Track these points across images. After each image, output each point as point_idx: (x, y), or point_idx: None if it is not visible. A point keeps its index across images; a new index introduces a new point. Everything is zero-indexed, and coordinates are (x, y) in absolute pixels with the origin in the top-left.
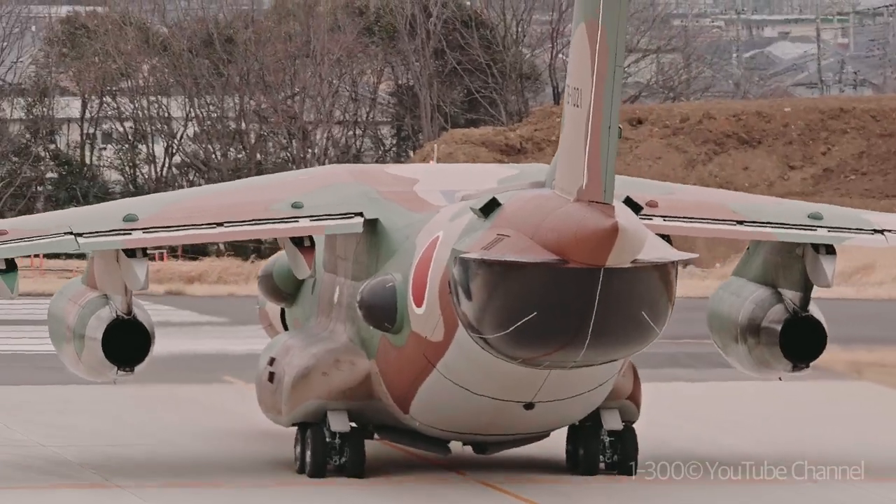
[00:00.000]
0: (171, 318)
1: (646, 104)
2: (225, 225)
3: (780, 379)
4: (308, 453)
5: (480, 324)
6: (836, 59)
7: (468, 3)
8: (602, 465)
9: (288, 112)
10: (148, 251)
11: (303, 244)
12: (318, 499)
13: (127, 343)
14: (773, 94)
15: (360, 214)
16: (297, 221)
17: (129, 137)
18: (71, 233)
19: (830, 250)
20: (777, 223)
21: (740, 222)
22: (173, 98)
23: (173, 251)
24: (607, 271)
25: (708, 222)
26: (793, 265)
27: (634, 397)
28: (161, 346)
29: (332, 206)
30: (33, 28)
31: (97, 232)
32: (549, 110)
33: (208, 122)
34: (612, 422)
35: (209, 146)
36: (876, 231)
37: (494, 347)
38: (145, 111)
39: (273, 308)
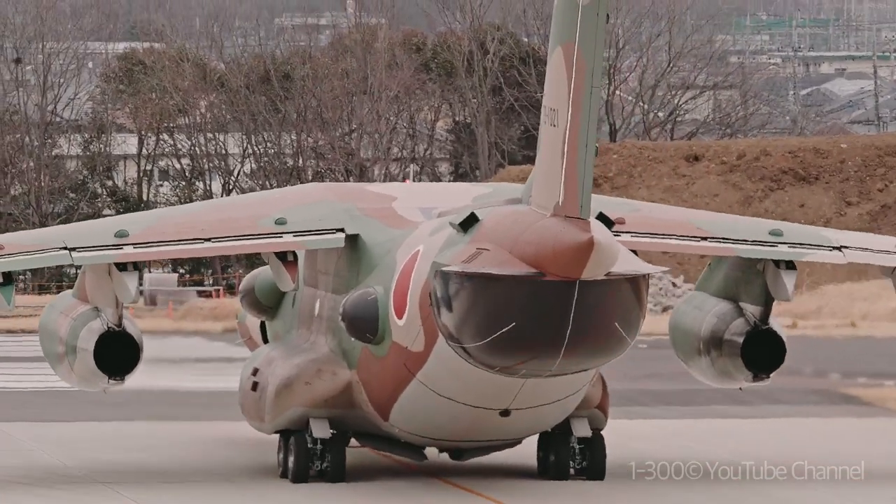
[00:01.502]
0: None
1: (703, 141)
2: (213, 240)
3: (740, 389)
4: (291, 459)
5: (460, 334)
6: (892, 96)
7: (525, 39)
8: (572, 471)
9: (345, 149)
10: (142, 265)
11: (286, 259)
12: (303, 502)
13: (118, 354)
14: (829, 131)
15: (342, 230)
16: (280, 237)
17: (186, 174)
18: (65, 248)
19: (791, 266)
20: (739, 239)
21: (704, 238)
22: (230, 134)
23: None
24: (583, 284)
25: (674, 238)
26: (753, 280)
27: (603, 406)
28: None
29: (314, 222)
30: (90, 64)
31: (90, 247)
32: (606, 147)
33: (265, 159)
34: (581, 429)
35: (266, 183)
36: (834, 248)
37: (473, 356)
38: (202, 148)
39: (253, 322)
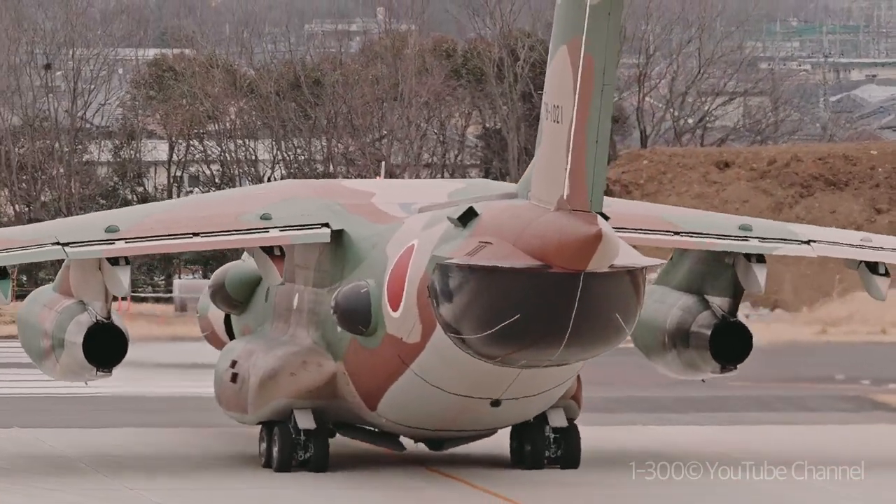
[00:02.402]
0: None
1: (733, 147)
2: (201, 235)
3: (703, 381)
4: (275, 449)
5: (461, 325)
6: None
7: None
8: (545, 461)
9: (376, 155)
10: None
11: (273, 253)
12: (291, 491)
13: (106, 346)
14: (859, 138)
15: (327, 225)
16: (266, 232)
17: (217, 180)
18: (58, 243)
19: (760, 259)
20: (710, 233)
21: (676, 233)
22: (260, 141)
23: None
24: (587, 276)
25: (646, 232)
26: (721, 273)
27: (577, 397)
28: None
29: (298, 217)
30: (120, 71)
31: (82, 242)
32: (637, 153)
33: (296, 165)
34: (557, 419)
35: None
36: (802, 242)
37: (474, 347)
38: (232, 154)
39: (216, 315)
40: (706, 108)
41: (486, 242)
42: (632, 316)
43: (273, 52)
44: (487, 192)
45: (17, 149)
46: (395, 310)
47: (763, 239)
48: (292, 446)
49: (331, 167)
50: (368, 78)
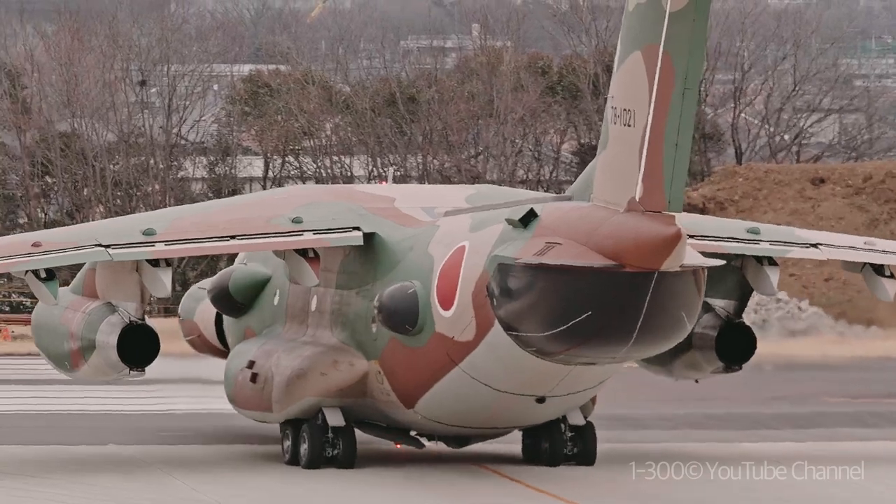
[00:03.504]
0: None
1: (828, 163)
2: (237, 238)
3: (696, 381)
4: (305, 447)
5: (526, 323)
6: None
7: None
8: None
9: (471, 171)
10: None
11: (307, 255)
12: (334, 485)
13: (140, 346)
14: None
15: (358, 228)
16: (301, 235)
17: None
18: (100, 245)
19: (772, 261)
20: (720, 237)
21: (691, 236)
22: (356, 157)
23: None
24: (660, 275)
25: None
26: (727, 276)
27: (593, 397)
28: None
29: (328, 221)
30: (215, 87)
31: (123, 244)
32: (732, 170)
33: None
34: (575, 418)
35: None
36: (811, 245)
37: (538, 345)
38: (328, 170)
39: (204, 319)
40: (801, 124)
41: (553, 243)
42: (694, 313)
43: (368, 69)
44: (502, 196)
45: (111, 165)
46: (446, 309)
47: (773, 242)
48: (322, 444)
49: (426, 183)
50: (464, 94)
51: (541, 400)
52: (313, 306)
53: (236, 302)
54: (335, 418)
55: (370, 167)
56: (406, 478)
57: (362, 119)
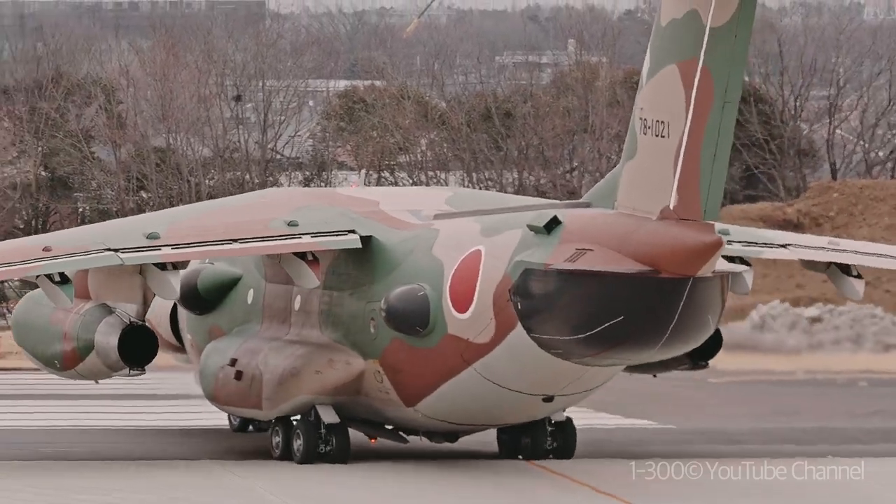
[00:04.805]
0: None
1: None
2: (239, 241)
3: (654, 376)
4: (299, 442)
5: (555, 326)
6: None
7: (746, 78)
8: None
9: (566, 187)
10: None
11: (306, 258)
12: (336, 479)
13: (138, 346)
14: None
15: (353, 231)
16: (300, 238)
17: None
18: (109, 249)
19: (744, 262)
20: None
21: None
22: (451, 172)
23: None
24: (694, 280)
25: None
26: None
27: None
28: None
29: (322, 224)
30: (311, 102)
31: (131, 248)
32: (827, 185)
33: None
34: (557, 414)
35: None
36: (780, 245)
37: (565, 348)
38: (422, 185)
39: (159, 314)
40: None
41: (584, 249)
42: (718, 317)
43: (464, 84)
44: (477, 199)
45: (207, 180)
46: (461, 312)
47: (744, 243)
48: (315, 440)
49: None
50: (559, 110)
51: (549, 399)
52: (297, 306)
53: (204, 300)
54: (329, 415)
55: (466, 182)
56: (464, 473)
57: (458, 134)
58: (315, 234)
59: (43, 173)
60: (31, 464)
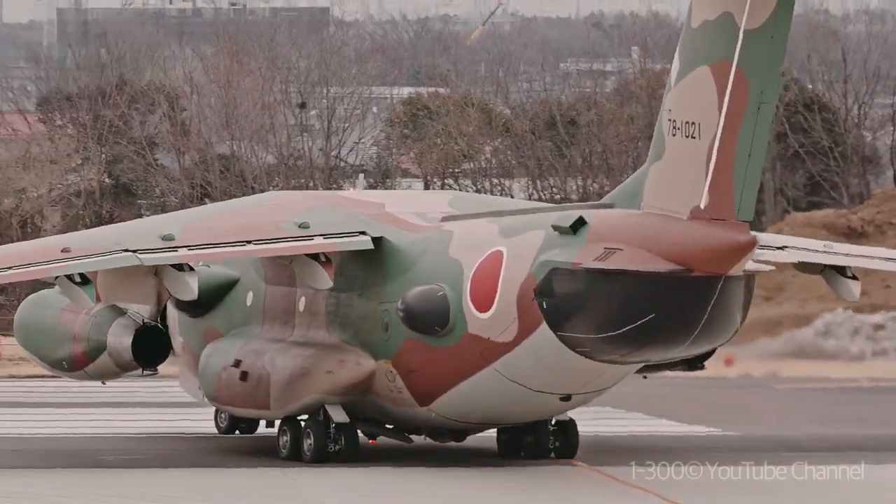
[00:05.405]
0: None
1: None
2: (253, 243)
3: (644, 377)
4: (309, 442)
5: (583, 326)
6: None
7: (810, 86)
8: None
9: None
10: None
11: (319, 259)
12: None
13: (151, 347)
14: None
15: (364, 233)
16: (312, 239)
17: None
18: (127, 250)
19: None
20: None
21: None
22: (516, 180)
23: None
24: (726, 279)
25: None
26: None
27: None
28: None
29: (332, 226)
30: (375, 109)
31: (149, 249)
32: (891, 193)
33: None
34: (561, 414)
35: None
36: (778, 248)
37: (593, 346)
38: (488, 193)
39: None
40: None
41: (613, 248)
42: (744, 314)
43: (528, 91)
44: (476, 202)
45: (271, 187)
46: (482, 311)
47: None
48: (325, 439)
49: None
50: (623, 117)
51: (566, 398)
52: (301, 307)
53: (201, 302)
54: (338, 415)
55: (530, 189)
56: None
57: (522, 142)
58: (327, 236)
59: (107, 180)
60: (90, 471)
